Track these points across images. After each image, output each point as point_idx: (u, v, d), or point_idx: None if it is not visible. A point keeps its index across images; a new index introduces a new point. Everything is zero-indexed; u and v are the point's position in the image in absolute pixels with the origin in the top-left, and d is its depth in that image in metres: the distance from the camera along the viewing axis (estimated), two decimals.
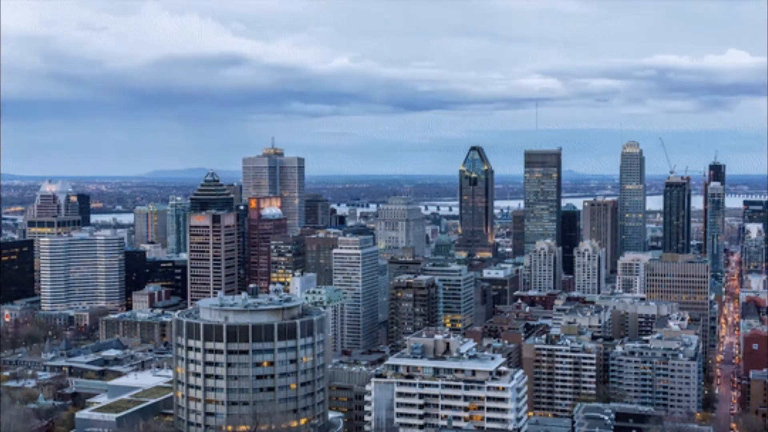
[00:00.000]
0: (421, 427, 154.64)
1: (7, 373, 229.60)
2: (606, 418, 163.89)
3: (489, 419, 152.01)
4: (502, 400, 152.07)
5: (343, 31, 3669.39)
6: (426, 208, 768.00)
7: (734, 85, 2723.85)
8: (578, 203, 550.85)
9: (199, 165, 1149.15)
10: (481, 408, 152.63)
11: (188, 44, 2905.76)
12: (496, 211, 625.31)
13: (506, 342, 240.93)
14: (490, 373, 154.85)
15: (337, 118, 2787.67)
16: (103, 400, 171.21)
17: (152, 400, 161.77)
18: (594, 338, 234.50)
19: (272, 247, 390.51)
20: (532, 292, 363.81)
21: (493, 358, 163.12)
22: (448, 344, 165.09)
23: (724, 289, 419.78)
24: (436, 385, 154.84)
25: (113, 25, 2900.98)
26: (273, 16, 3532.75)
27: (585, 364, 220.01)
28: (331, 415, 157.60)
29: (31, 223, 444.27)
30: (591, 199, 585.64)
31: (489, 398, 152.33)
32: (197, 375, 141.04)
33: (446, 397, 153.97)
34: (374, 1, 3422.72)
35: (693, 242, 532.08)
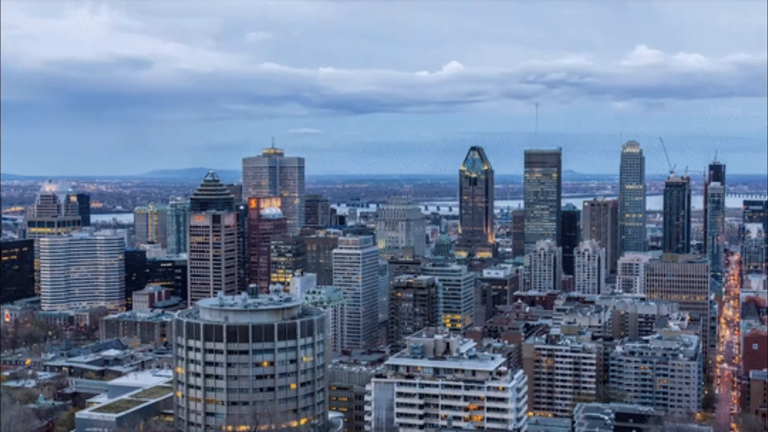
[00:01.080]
0: (421, 427, 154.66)
1: (7, 373, 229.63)
2: (606, 418, 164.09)
3: (489, 419, 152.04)
4: (502, 400, 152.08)
5: (277, 36, 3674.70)
6: (426, 208, 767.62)
7: (659, 86, 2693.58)
8: (578, 203, 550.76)
9: (198, 165, 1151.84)
10: (481, 408, 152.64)
11: (115, 46, 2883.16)
12: (496, 211, 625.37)
13: (506, 342, 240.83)
14: (490, 373, 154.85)
15: (288, 120, 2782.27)
16: (103, 400, 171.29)
17: (152, 400, 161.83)
18: (594, 338, 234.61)
19: (272, 247, 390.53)
20: (532, 292, 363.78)
21: (493, 358, 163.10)
22: (448, 344, 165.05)
23: (724, 289, 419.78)
24: (436, 385, 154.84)
25: (31, 26, 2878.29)
26: (203, 20, 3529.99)
27: (585, 364, 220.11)
28: (331, 415, 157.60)
29: (31, 223, 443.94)
30: (591, 199, 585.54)
31: (489, 398, 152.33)
32: (197, 375, 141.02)
33: (446, 397, 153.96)
34: (312, 3, 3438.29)
35: (693, 242, 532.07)
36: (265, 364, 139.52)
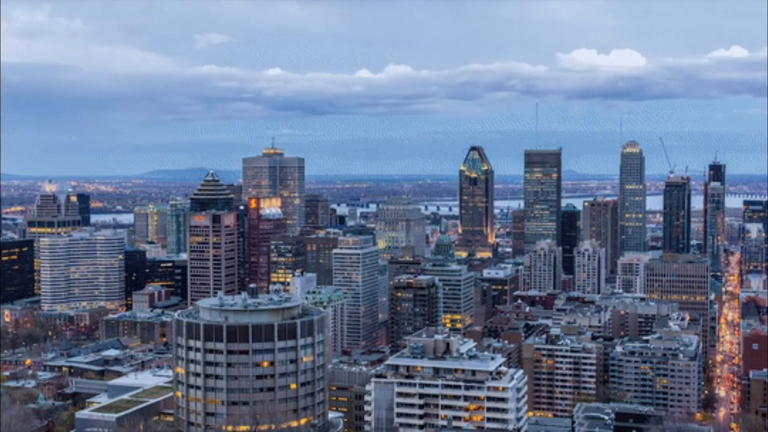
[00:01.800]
0: (421, 427, 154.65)
1: (7, 373, 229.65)
2: (606, 418, 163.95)
3: (489, 419, 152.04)
4: (502, 400, 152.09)
5: (226, 40, 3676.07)
6: (426, 208, 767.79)
7: (606, 88, 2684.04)
8: (578, 203, 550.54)
9: (198, 165, 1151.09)
10: (481, 408, 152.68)
11: (53, 48, 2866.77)
12: (496, 211, 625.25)
13: (506, 342, 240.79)
14: (490, 373, 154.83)
15: (247, 122, 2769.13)
16: (103, 400, 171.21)
17: (152, 400, 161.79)
18: (594, 338, 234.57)
19: (272, 247, 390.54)
20: (532, 292, 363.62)
21: (493, 358, 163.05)
22: (448, 344, 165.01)
23: (724, 289, 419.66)
24: (436, 385, 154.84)
25: None
26: (148, 22, 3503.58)
27: (585, 364, 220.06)
28: (331, 415, 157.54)
29: (31, 223, 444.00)
30: (591, 199, 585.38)
31: (489, 398, 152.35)
32: (197, 375, 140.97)
33: (446, 397, 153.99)
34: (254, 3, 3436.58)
35: (693, 242, 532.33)
36: (265, 364, 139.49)
